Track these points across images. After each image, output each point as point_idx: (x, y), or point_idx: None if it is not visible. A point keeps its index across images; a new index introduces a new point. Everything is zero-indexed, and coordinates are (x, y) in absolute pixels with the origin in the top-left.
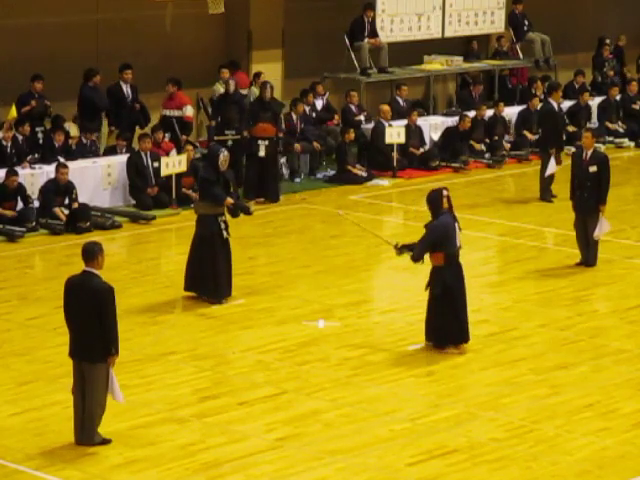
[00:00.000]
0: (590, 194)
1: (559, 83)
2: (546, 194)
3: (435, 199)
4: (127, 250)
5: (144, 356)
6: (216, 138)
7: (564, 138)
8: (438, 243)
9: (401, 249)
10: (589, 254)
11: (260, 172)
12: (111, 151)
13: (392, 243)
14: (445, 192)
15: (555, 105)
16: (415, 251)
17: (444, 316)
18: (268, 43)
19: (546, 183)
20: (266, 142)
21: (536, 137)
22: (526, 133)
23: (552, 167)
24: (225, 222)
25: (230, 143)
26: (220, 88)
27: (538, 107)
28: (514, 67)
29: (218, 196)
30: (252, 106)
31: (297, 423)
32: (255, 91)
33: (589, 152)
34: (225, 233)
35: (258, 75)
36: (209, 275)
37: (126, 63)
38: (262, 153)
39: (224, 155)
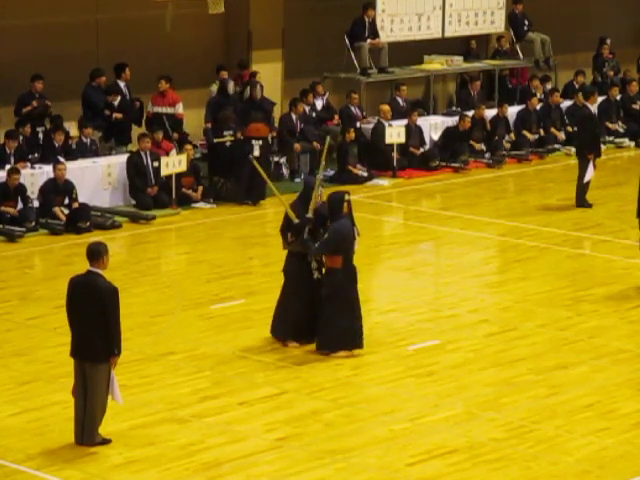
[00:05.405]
0: None
1: (594, 87)
2: (583, 200)
3: (336, 202)
4: (127, 250)
5: (144, 356)
6: (215, 140)
7: (600, 144)
8: (339, 248)
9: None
10: None
11: (252, 172)
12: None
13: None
14: (347, 197)
15: (593, 109)
16: (316, 248)
17: (333, 319)
18: (268, 43)
19: (583, 189)
20: (260, 142)
21: (536, 137)
22: (525, 133)
23: (590, 173)
24: (318, 262)
25: (228, 144)
26: (215, 89)
27: (538, 107)
28: (514, 67)
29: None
30: (243, 106)
31: (297, 423)
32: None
33: None
34: (316, 273)
35: (254, 74)
36: (288, 315)
37: (123, 62)
38: (256, 153)
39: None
